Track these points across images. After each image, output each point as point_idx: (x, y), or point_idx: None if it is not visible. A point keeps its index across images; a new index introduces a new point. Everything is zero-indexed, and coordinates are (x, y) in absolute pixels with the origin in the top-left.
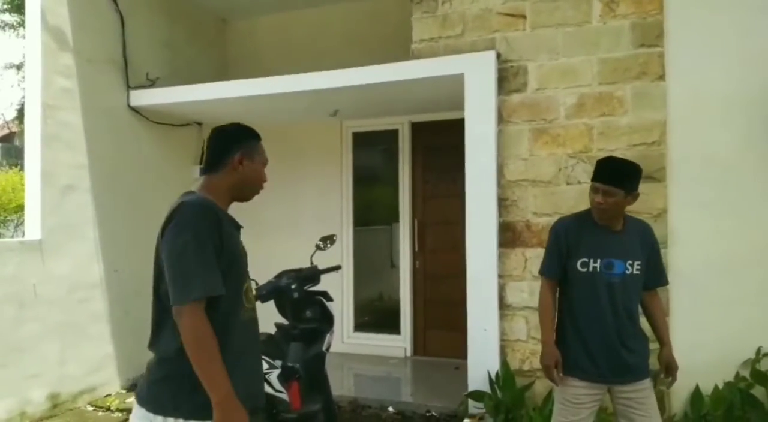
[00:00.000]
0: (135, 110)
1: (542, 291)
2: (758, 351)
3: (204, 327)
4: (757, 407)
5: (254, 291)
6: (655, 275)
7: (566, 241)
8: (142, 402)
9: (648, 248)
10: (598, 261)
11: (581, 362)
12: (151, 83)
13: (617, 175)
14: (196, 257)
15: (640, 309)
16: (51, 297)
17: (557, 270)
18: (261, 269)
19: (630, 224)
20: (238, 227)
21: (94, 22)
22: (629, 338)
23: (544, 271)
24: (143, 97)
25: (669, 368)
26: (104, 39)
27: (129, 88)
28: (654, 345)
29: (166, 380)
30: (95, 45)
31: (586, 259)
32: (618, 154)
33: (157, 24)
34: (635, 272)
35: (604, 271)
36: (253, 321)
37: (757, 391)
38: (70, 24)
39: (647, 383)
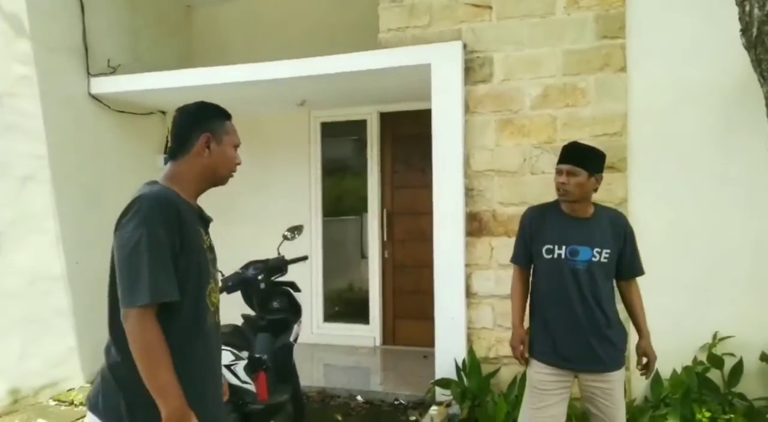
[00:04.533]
0: (96, 98)
1: (513, 277)
2: (715, 335)
3: (151, 334)
4: (713, 389)
5: (219, 283)
6: (632, 265)
7: (530, 229)
8: (96, 411)
9: (621, 237)
10: (563, 247)
11: (546, 348)
12: (113, 70)
13: (579, 156)
14: (148, 257)
15: (618, 299)
16: (10, 291)
17: (523, 257)
18: (228, 260)
19: (600, 213)
20: (206, 221)
21: (52, 8)
22: (600, 326)
23: (512, 259)
24: (104, 85)
25: (646, 357)
26: (63, 25)
27: (90, 75)
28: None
29: (121, 389)
30: (54, 31)
31: (551, 246)
32: None
33: (119, 9)
34: (603, 260)
35: (568, 258)
36: (217, 326)
37: (713, 374)
38: (27, 9)
39: (617, 375)
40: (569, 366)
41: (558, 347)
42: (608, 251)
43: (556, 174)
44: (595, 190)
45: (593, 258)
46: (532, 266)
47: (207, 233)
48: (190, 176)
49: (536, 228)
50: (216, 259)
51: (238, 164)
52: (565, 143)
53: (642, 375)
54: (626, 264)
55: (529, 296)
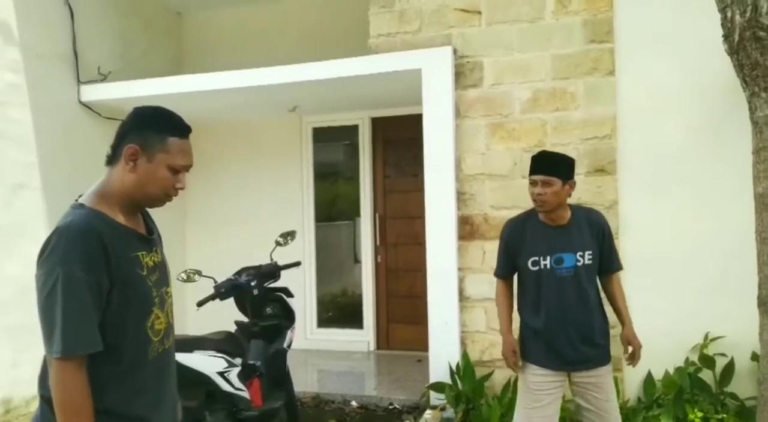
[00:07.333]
0: (86, 106)
1: (497, 290)
2: (706, 336)
3: (70, 388)
4: (705, 389)
5: (165, 305)
6: (610, 261)
7: (512, 243)
8: None
9: (599, 235)
10: (548, 258)
11: (539, 353)
12: (103, 78)
13: (552, 165)
14: (63, 304)
15: (602, 295)
16: (1, 299)
17: (507, 271)
18: (220, 266)
19: (576, 215)
20: (146, 238)
21: (41, 15)
22: (587, 329)
23: (496, 273)
24: (95, 92)
25: (631, 346)
26: (53, 32)
27: (80, 82)
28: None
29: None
30: (43, 38)
31: (537, 258)
32: (571, 148)
33: (109, 17)
34: (587, 262)
35: (554, 267)
36: (164, 354)
37: (705, 375)
38: (15, 17)
39: (606, 369)
40: (562, 368)
41: (550, 351)
42: (590, 252)
43: (530, 185)
44: (569, 196)
45: (578, 263)
46: (516, 275)
47: (153, 249)
48: (120, 190)
49: (518, 242)
50: (166, 276)
51: (180, 189)
52: (556, 148)
53: (628, 364)
54: (605, 260)
55: (515, 303)
